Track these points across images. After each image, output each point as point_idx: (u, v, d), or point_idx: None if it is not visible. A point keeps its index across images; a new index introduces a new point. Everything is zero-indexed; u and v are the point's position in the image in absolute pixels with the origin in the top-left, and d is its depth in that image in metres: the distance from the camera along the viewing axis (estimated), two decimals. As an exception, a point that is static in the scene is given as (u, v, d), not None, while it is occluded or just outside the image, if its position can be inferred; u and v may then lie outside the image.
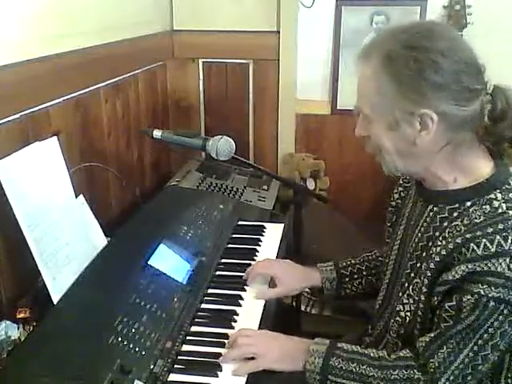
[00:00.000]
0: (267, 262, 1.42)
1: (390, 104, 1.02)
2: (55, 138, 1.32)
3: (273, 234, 1.63)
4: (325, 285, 1.39)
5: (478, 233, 0.97)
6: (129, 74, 1.90)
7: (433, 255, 1.04)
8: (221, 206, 1.67)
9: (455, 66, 0.98)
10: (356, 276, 1.40)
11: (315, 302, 1.92)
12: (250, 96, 2.33)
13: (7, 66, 1.25)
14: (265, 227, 1.66)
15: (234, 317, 1.23)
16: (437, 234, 1.07)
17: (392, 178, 1.15)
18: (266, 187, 1.98)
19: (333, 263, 1.42)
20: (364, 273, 1.40)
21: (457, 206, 1.05)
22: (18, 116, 1.28)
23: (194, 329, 1.20)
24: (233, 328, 1.20)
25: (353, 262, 1.42)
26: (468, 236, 0.98)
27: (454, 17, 2.06)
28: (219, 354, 1.10)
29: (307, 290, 1.53)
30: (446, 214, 1.07)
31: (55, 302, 1.14)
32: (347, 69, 2.28)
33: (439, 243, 1.05)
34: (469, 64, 1.00)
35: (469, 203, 1.03)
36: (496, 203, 1.00)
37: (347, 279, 1.39)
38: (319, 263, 1.43)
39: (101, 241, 1.39)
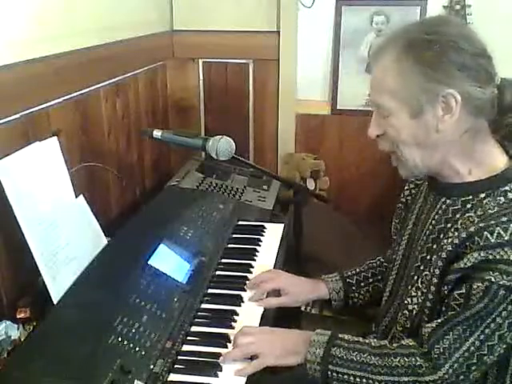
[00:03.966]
0: (274, 274, 1.39)
1: (414, 88, 1.02)
2: (55, 138, 1.32)
3: (273, 234, 1.63)
4: (332, 295, 1.38)
5: (492, 222, 0.97)
6: (129, 74, 1.89)
7: (444, 246, 1.04)
8: (221, 206, 1.67)
9: (474, 49, 1.01)
10: (362, 284, 1.39)
11: (315, 302, 1.91)
12: (250, 96, 2.33)
13: (7, 66, 1.25)
14: (265, 227, 1.66)
15: (234, 317, 1.24)
16: (449, 225, 1.07)
17: (393, 178, 1.15)
18: (266, 187, 1.98)
19: (338, 273, 1.41)
20: (370, 280, 1.40)
21: (470, 197, 1.06)
22: (18, 116, 1.28)
23: (194, 329, 1.20)
24: (233, 328, 1.20)
25: (358, 270, 1.41)
26: (481, 225, 0.98)
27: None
28: (219, 354, 1.10)
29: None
30: (459, 206, 1.07)
31: (55, 302, 1.14)
32: (347, 69, 2.28)
33: (451, 234, 1.05)
34: (484, 49, 1.03)
35: (483, 195, 1.04)
36: (511, 195, 1.01)
37: (354, 288, 1.39)
38: (324, 275, 1.42)
39: (101, 241, 1.39)
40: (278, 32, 2.20)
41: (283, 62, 2.24)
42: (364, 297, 1.39)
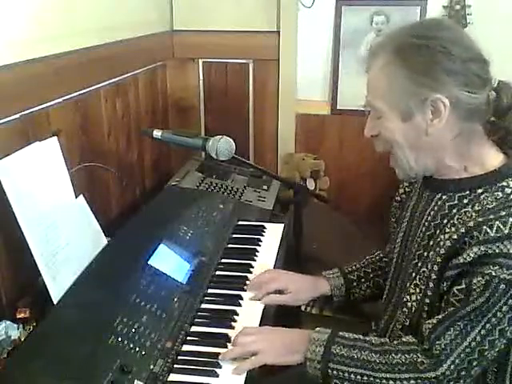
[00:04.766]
0: (275, 274, 1.39)
1: (403, 92, 1.03)
2: (55, 138, 1.32)
3: (273, 234, 1.63)
4: (334, 292, 1.38)
5: (491, 216, 0.98)
6: (129, 74, 1.89)
7: (441, 242, 1.04)
8: (221, 206, 1.67)
9: (465, 54, 1.01)
10: (363, 280, 1.40)
11: (315, 302, 1.91)
12: (250, 96, 2.33)
13: (7, 66, 1.25)
14: (265, 227, 1.66)
15: (234, 317, 1.23)
16: (445, 221, 1.08)
17: (393, 178, 1.16)
18: (266, 187, 1.98)
19: (338, 269, 1.41)
20: (371, 275, 1.40)
21: (467, 193, 1.06)
22: (18, 116, 1.28)
23: (194, 329, 1.20)
24: (233, 328, 1.20)
25: (358, 266, 1.42)
26: (480, 219, 0.98)
27: (454, 17, 2.06)
28: (219, 354, 1.10)
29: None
30: (456, 202, 1.07)
31: (55, 302, 1.14)
32: (347, 69, 2.28)
33: (447, 230, 1.05)
34: (477, 53, 1.03)
35: (480, 190, 1.04)
36: (508, 190, 1.02)
37: (355, 284, 1.39)
38: (324, 271, 1.42)
39: (101, 241, 1.39)
40: (278, 32, 2.20)
41: (283, 62, 2.24)
42: (365, 292, 1.40)
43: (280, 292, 1.33)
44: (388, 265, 1.28)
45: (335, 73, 2.31)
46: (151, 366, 1.03)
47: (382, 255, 1.42)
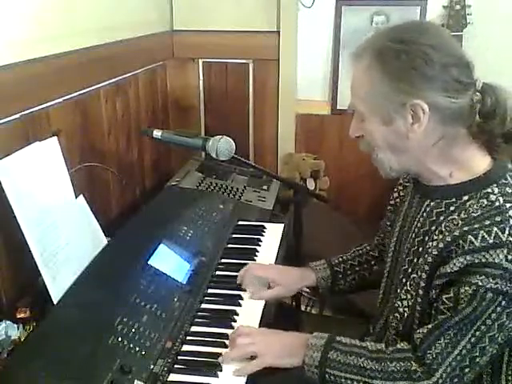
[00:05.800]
0: (261, 265, 1.42)
1: (382, 97, 1.03)
2: (55, 138, 1.33)
3: (273, 234, 1.63)
4: (320, 283, 1.39)
5: (476, 225, 0.97)
6: (129, 74, 1.90)
7: (429, 249, 1.04)
8: (221, 206, 1.67)
9: (445, 59, 1.00)
10: (349, 272, 1.41)
11: (315, 302, 1.92)
12: (250, 96, 2.33)
13: (7, 66, 1.25)
14: (265, 227, 1.66)
15: (234, 317, 1.24)
16: (433, 228, 1.08)
17: (393, 179, 1.16)
18: (266, 187, 1.98)
19: (325, 261, 1.42)
20: (357, 268, 1.41)
21: (453, 200, 1.06)
22: (18, 116, 1.28)
23: (193, 329, 1.20)
24: (233, 328, 1.20)
25: (344, 258, 1.43)
26: (465, 228, 0.98)
27: (454, 17, 2.06)
28: (219, 354, 1.10)
29: (306, 289, 1.53)
30: (443, 209, 1.07)
31: (55, 302, 1.14)
32: (347, 69, 2.28)
33: (435, 237, 1.05)
34: (458, 58, 1.02)
35: (466, 197, 1.04)
36: (493, 197, 1.01)
37: (340, 276, 1.40)
38: (311, 262, 1.43)
39: (101, 241, 1.39)
40: (278, 32, 2.21)
41: (283, 62, 2.24)
42: (350, 284, 1.41)
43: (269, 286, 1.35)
44: (382, 268, 1.28)
45: (335, 73, 2.31)
46: (151, 366, 1.03)
47: (368, 248, 1.43)
